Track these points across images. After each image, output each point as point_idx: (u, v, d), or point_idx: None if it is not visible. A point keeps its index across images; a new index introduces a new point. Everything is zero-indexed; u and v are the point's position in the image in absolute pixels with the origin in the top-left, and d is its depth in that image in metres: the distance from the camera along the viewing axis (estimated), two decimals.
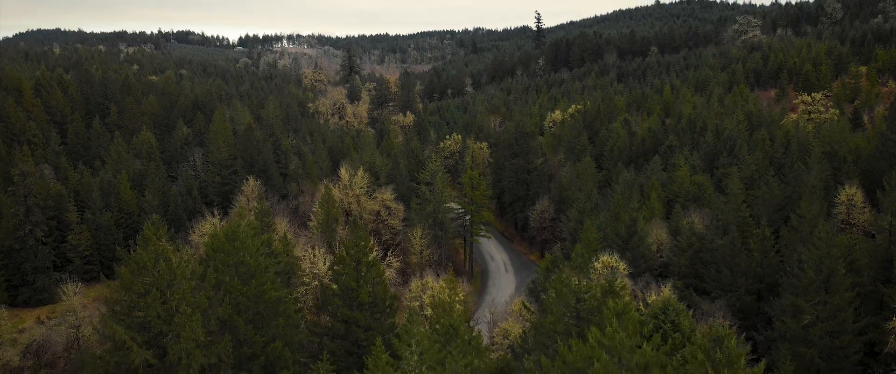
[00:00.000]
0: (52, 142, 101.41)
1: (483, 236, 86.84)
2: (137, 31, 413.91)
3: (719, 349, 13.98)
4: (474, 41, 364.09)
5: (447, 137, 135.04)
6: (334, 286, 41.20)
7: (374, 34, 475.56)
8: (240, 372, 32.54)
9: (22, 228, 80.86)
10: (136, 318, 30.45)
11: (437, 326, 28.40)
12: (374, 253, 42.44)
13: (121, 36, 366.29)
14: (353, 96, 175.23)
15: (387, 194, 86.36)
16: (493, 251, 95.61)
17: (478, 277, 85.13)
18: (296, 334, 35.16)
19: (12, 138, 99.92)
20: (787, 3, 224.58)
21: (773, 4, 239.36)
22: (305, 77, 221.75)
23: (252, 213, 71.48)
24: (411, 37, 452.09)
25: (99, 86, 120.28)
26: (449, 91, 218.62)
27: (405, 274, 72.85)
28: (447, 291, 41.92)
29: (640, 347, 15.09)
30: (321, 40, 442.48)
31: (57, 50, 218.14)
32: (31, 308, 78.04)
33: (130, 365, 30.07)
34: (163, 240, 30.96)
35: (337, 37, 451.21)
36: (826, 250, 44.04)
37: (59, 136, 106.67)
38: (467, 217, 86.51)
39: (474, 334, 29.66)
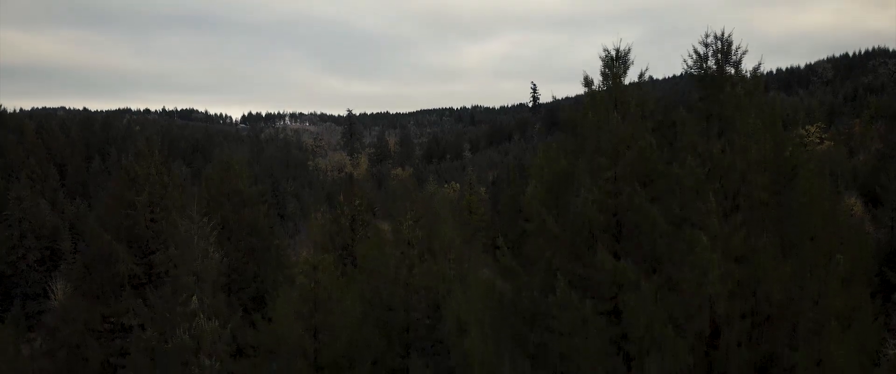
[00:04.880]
0: (50, 178, 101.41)
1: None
2: (142, 109, 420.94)
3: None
4: (473, 115, 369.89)
5: (445, 185, 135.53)
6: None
7: (374, 112, 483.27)
8: (230, 296, 31.51)
9: (15, 252, 79.81)
10: (125, 229, 29.80)
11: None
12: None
13: (125, 112, 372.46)
14: (353, 154, 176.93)
15: (384, 226, 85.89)
16: None
17: None
18: (287, 269, 34.23)
19: (10, 174, 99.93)
20: (777, 70, 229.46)
21: (766, 74, 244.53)
22: (306, 143, 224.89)
23: None
24: (411, 115, 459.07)
25: (100, 131, 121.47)
26: (448, 156, 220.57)
27: None
28: None
29: None
30: (323, 118, 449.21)
31: (61, 114, 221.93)
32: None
33: (117, 277, 29.24)
34: (155, 154, 30.63)
35: (339, 115, 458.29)
36: (828, 218, 43.54)
37: (59, 176, 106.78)
38: None
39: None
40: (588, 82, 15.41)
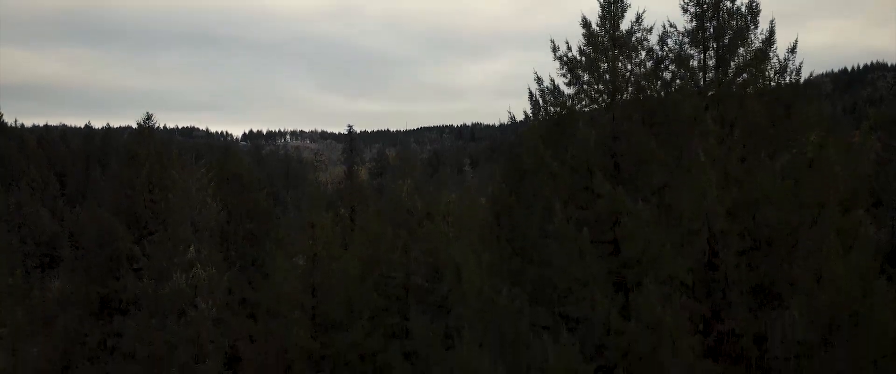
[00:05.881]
0: (50, 186, 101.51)
1: None
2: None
3: None
4: (473, 132, 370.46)
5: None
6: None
7: (375, 130, 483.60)
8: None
9: (14, 257, 79.56)
10: (123, 210, 29.77)
11: None
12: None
13: (126, 129, 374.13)
14: (353, 169, 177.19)
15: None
16: None
17: None
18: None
19: (11, 183, 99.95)
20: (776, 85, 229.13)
21: None
22: (307, 159, 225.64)
23: None
24: (411, 132, 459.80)
25: (100, 141, 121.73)
26: (448, 170, 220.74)
27: None
28: None
29: None
30: (324, 135, 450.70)
31: (61, 129, 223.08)
32: None
33: (115, 257, 29.19)
34: (155, 136, 30.69)
35: (340, 133, 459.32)
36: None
37: (59, 185, 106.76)
38: None
39: None
40: (585, 24, 15.41)
